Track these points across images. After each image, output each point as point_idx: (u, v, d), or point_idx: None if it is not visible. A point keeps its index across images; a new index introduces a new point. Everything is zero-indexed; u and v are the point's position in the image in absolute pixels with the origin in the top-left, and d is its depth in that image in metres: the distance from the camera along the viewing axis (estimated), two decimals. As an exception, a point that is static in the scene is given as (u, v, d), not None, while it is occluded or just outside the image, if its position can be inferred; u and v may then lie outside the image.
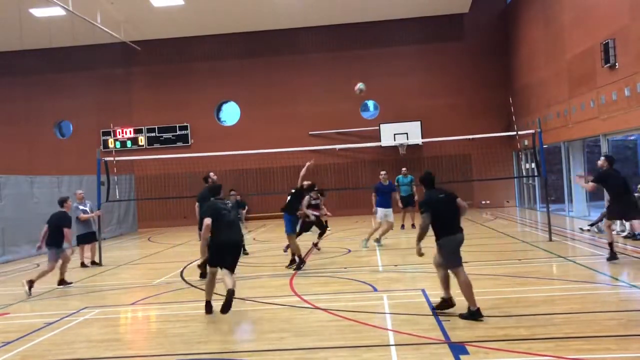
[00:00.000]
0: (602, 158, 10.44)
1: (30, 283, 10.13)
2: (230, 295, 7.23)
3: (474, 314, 6.56)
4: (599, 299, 7.48)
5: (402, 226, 17.70)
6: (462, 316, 6.63)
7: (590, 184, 10.39)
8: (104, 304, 9.17)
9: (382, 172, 14.57)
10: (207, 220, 7.55)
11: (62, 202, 11.30)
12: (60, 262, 10.74)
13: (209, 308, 7.77)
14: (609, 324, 6.21)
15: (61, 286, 10.83)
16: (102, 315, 8.27)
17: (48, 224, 10.69)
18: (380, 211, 13.90)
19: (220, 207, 7.81)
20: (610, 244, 10.17)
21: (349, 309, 7.48)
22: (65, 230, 10.47)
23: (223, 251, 7.63)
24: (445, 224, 6.87)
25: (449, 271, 6.96)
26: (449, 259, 6.87)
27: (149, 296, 9.34)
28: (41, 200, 17.37)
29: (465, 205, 7.08)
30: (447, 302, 6.97)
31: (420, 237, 7.03)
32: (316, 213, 13.17)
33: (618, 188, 10.01)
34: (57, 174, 19.64)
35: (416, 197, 17.19)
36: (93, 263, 13.65)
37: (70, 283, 11.09)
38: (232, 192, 14.67)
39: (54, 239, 10.55)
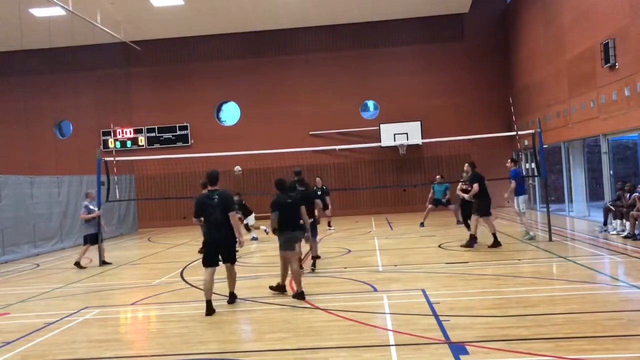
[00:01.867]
0: (467, 165, 13.07)
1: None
2: (231, 296, 8.21)
3: (299, 295, 8.31)
4: (599, 299, 7.48)
5: (422, 224, 17.83)
6: (293, 296, 8.42)
7: (475, 187, 12.34)
8: (104, 304, 9.17)
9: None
10: (194, 220, 8.26)
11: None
12: None
13: (209, 309, 7.67)
14: (609, 324, 6.22)
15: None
16: (102, 315, 8.27)
17: None
18: (523, 199, 13.92)
19: (206, 202, 7.93)
20: (494, 234, 12.36)
21: (349, 309, 7.48)
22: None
23: (212, 250, 7.99)
24: (285, 222, 8.51)
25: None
26: (284, 246, 8.55)
27: (149, 296, 9.34)
28: (41, 200, 17.37)
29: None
30: (282, 287, 8.72)
31: (273, 228, 8.70)
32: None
33: (485, 187, 12.53)
34: (57, 174, 19.63)
35: (448, 196, 18.10)
36: (104, 263, 13.55)
37: None
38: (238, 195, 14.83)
39: None
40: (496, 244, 12.26)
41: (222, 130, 26.40)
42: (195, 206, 8.08)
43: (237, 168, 15.05)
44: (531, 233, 13.86)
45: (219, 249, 7.97)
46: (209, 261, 7.96)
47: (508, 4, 25.24)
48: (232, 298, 8.22)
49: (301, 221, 8.93)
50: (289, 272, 8.68)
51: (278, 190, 8.93)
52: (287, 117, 25.63)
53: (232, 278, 8.24)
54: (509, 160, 14.87)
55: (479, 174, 12.71)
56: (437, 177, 18.61)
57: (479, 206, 12.47)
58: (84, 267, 13.29)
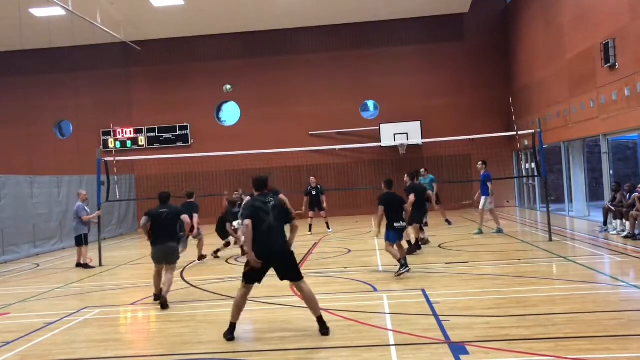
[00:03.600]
0: (406, 176, 12.90)
1: (202, 257, 12.96)
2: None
3: (159, 297, 8.49)
4: (599, 299, 7.48)
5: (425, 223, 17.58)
6: (155, 298, 8.73)
7: (412, 198, 12.08)
8: (104, 304, 9.17)
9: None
10: (247, 221, 6.42)
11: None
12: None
13: (231, 332, 6.44)
14: (609, 324, 6.21)
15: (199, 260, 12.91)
16: (102, 315, 8.28)
17: None
18: (490, 199, 15.13)
19: (259, 207, 6.50)
20: (415, 240, 12.36)
21: (349, 309, 7.48)
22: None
23: (263, 265, 6.49)
24: (158, 234, 8.78)
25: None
26: (154, 259, 8.92)
27: (149, 296, 9.32)
28: (41, 200, 17.36)
29: (188, 221, 9.17)
30: (158, 296, 8.64)
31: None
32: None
33: (421, 198, 12.38)
34: (57, 174, 19.62)
35: (436, 190, 17.29)
36: (79, 265, 13.33)
37: (205, 256, 13.08)
38: (236, 193, 14.31)
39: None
40: (413, 248, 12.19)
41: (222, 130, 26.39)
42: (244, 209, 6.73)
43: (228, 87, 13.95)
44: (482, 229, 15.18)
45: (276, 264, 6.55)
46: (254, 277, 6.54)
47: (508, 4, 25.25)
48: (322, 325, 6.46)
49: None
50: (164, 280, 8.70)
51: (159, 201, 9.24)
52: (287, 117, 25.63)
53: (312, 300, 6.57)
54: (481, 163, 15.37)
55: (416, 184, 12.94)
56: (422, 170, 17.57)
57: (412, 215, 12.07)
58: (92, 267, 13.23)
